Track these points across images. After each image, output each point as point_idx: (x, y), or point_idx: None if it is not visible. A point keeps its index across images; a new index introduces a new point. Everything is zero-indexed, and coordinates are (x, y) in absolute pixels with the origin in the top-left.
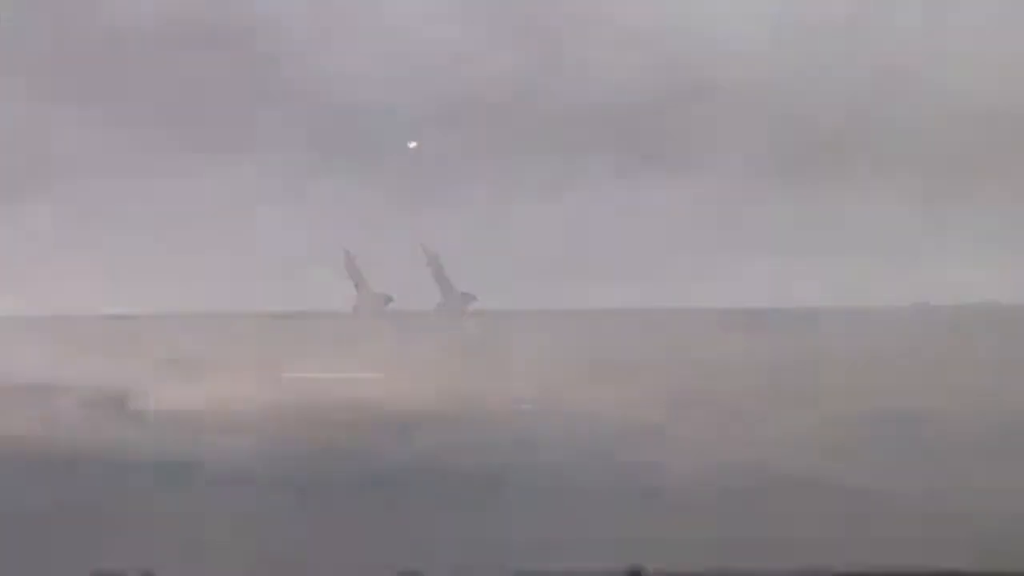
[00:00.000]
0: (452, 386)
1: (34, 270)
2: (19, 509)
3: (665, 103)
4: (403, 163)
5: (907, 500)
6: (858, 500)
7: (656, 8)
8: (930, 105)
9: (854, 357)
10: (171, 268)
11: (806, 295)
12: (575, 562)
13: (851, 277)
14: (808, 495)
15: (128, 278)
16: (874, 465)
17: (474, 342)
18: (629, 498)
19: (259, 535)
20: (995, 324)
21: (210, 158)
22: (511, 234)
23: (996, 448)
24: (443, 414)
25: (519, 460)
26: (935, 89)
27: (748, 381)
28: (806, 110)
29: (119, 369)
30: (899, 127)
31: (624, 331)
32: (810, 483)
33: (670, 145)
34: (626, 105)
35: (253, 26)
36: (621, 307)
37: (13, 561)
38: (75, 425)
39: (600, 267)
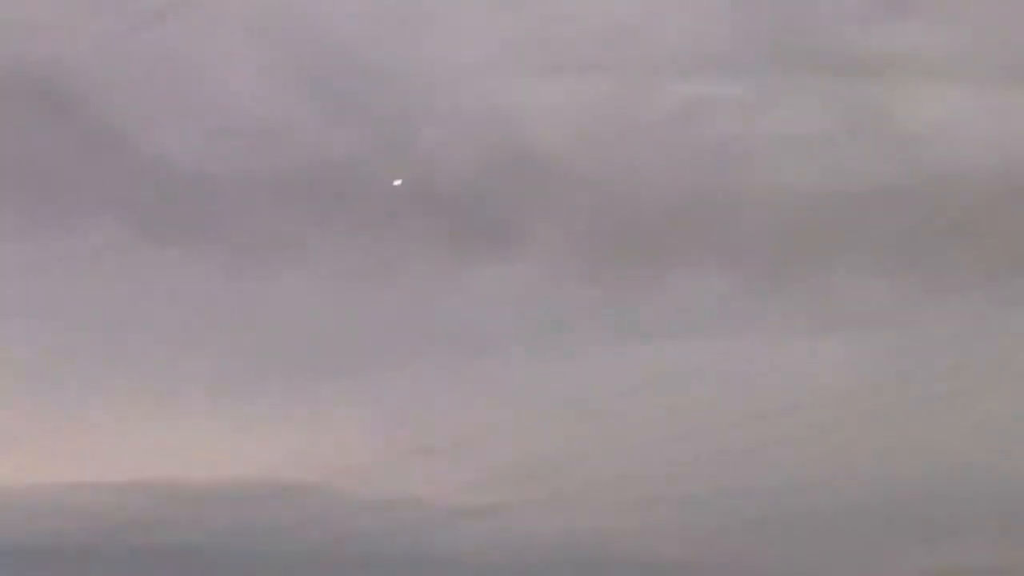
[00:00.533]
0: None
1: None
2: None
3: (495, 183)
4: (222, 240)
5: None
6: None
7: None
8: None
9: None
10: None
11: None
12: None
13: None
14: None
15: None
16: None
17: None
18: None
19: None
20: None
21: None
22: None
23: None
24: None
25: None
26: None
27: None
28: (637, 192)
29: None
30: (729, 210)
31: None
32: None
33: (497, 225)
34: (454, 184)
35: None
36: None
37: None
38: None
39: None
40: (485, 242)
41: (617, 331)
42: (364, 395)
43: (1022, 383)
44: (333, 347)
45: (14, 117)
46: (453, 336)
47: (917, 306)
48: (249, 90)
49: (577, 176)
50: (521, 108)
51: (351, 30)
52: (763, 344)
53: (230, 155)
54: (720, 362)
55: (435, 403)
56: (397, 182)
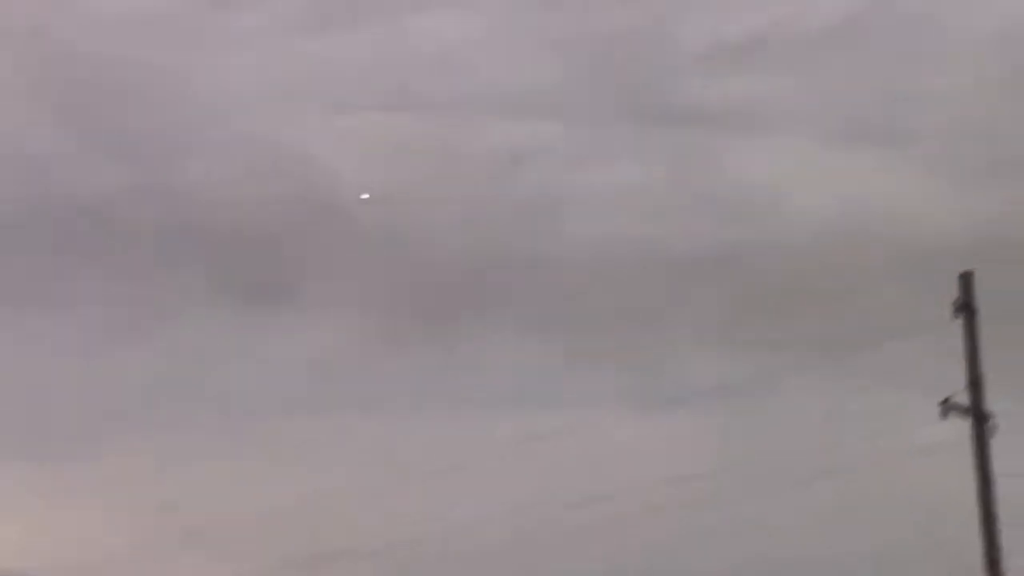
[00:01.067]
0: None
1: None
2: None
3: (278, 229)
4: None
5: None
6: None
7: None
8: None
9: None
10: None
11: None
12: None
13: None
14: None
15: None
16: None
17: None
18: None
19: None
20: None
21: None
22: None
23: None
24: None
25: None
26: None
27: None
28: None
29: None
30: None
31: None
32: None
33: (281, 278)
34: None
35: None
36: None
37: None
38: None
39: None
40: (269, 296)
41: (419, 401)
42: (113, 475)
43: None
44: (77, 418)
45: None
46: (226, 404)
47: (757, 381)
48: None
49: (374, 225)
50: (310, 145)
51: (111, 53)
52: (589, 418)
53: None
54: (538, 437)
55: (205, 484)
56: (365, 196)
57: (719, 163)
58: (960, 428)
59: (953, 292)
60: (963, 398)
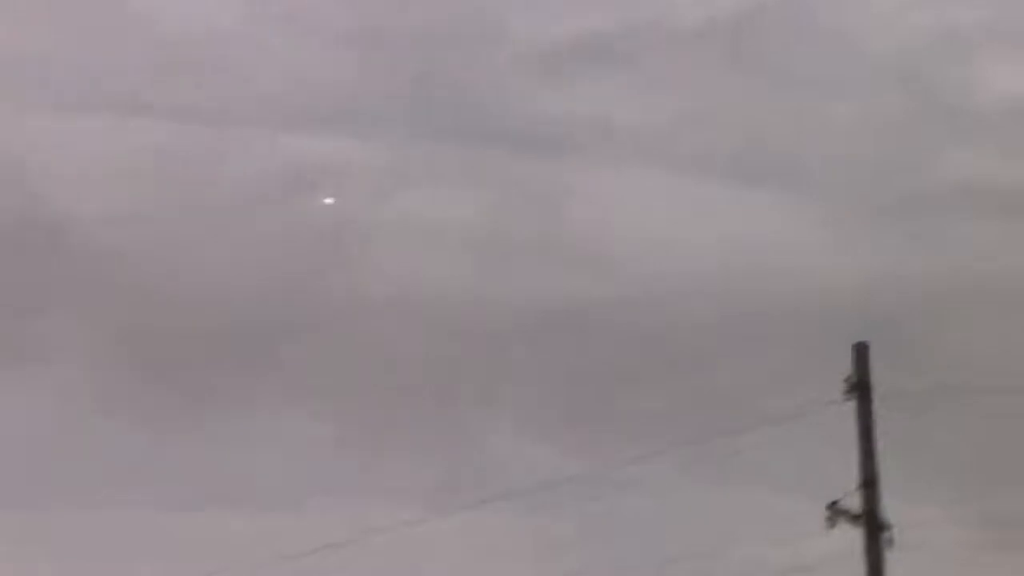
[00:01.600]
0: None
1: None
2: None
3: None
4: None
5: None
6: None
7: None
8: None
9: None
10: None
11: None
12: None
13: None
14: None
15: None
16: None
17: None
18: None
19: None
20: None
21: None
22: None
23: None
24: None
25: None
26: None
27: None
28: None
29: None
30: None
31: None
32: None
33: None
34: None
35: None
36: None
37: None
38: None
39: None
40: None
41: (146, 491)
42: None
43: None
44: None
45: None
46: None
47: (596, 477)
48: None
49: (100, 255)
50: (29, 150)
51: None
52: (370, 519)
53: None
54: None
55: None
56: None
57: (558, 195)
58: (851, 538)
59: (843, 358)
60: (854, 501)
